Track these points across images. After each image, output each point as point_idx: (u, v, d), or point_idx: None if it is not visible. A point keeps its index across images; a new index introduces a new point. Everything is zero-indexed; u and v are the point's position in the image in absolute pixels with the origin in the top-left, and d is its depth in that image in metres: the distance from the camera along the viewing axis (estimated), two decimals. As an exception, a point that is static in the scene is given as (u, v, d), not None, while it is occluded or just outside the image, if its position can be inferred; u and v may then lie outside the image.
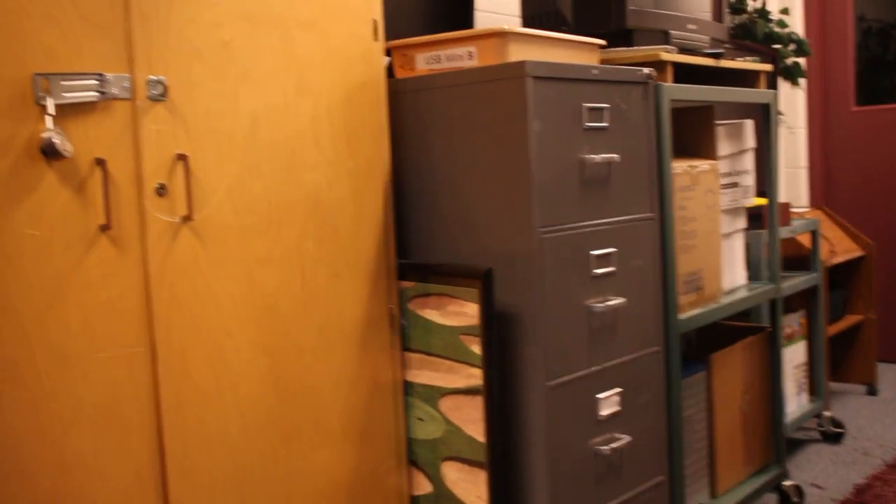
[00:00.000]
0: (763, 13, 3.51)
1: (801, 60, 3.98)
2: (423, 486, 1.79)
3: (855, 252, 3.62)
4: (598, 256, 1.77)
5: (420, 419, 1.78)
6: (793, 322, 3.01)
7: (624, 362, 1.84)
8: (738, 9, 3.51)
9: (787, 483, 2.57)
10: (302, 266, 1.58)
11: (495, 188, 1.69)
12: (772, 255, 2.54)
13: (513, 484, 1.72)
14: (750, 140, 2.51)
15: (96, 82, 1.31)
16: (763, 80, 2.61)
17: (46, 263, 1.27)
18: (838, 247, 3.57)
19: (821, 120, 4.32)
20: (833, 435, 3.21)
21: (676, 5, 2.35)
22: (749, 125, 2.50)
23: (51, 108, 1.26)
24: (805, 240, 3.35)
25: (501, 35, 1.73)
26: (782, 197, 4.20)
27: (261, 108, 1.51)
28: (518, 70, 1.63)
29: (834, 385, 3.92)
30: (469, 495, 1.69)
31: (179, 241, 1.41)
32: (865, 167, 4.25)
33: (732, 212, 2.46)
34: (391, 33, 2.12)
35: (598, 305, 1.76)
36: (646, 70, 1.90)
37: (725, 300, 2.33)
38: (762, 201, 2.83)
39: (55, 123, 1.27)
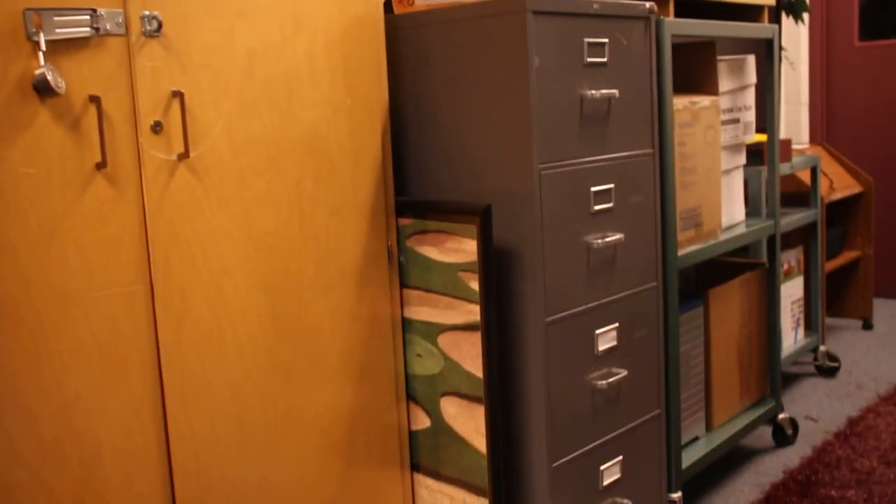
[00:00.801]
0: (767, -55, 3.44)
1: (805, -7, 3.91)
2: (422, 421, 1.81)
3: (854, 188, 3.61)
4: (597, 193, 1.77)
5: (419, 355, 1.80)
6: (790, 258, 3.01)
7: (622, 298, 1.85)
8: (742, -60, 3.44)
9: (781, 416, 2.61)
10: (300, 204, 1.57)
11: (494, 124, 1.68)
12: (771, 192, 2.54)
13: (511, 418, 1.75)
14: (751, 76, 2.48)
15: (89, 17, 1.29)
16: (766, 15, 2.58)
17: (43, 202, 1.26)
18: (838, 183, 3.56)
19: (823, 55, 4.27)
20: (828, 369, 3.24)
21: (679, -64, 2.30)
22: (751, 61, 2.48)
23: (43, 44, 1.24)
24: (805, 176, 3.34)
25: (500, -32, 1.70)
26: (783, 133, 4.18)
27: (257, 44, 1.49)
28: (518, 4, 1.60)
29: (830, 320, 3.95)
30: (467, 430, 1.72)
31: (176, 180, 1.40)
32: (867, 103, 4.22)
33: (732, 148, 2.44)
34: (388, -34, 2.08)
35: (597, 241, 1.76)
36: (647, 4, 1.87)
37: (724, 236, 2.33)
38: (762, 137, 2.82)
39: (47, 60, 1.25)
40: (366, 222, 1.69)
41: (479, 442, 1.69)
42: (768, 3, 2.53)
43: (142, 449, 1.38)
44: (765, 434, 2.72)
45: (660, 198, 1.95)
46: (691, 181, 2.20)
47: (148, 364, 1.38)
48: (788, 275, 3.00)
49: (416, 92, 1.80)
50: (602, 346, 1.81)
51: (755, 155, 2.82)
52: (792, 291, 3.04)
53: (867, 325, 3.79)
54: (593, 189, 1.76)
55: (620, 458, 1.87)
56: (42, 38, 1.24)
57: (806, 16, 4.03)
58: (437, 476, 1.80)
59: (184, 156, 1.40)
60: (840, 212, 3.77)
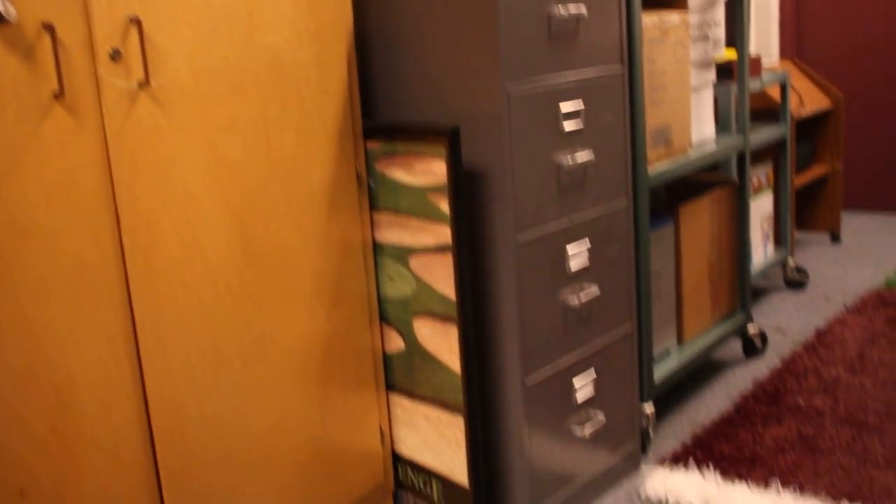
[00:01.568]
0: None
1: None
2: (396, 343, 1.83)
3: (824, 104, 3.62)
4: (567, 111, 1.76)
5: (391, 278, 1.80)
6: (760, 174, 3.03)
7: (593, 216, 1.86)
8: None
9: (751, 329, 2.65)
10: (266, 131, 1.56)
11: (461, 44, 1.65)
12: (741, 108, 2.54)
13: (484, 337, 1.77)
14: (719, -11, 2.46)
15: (37, -59, 1.25)
16: (734, -74, 2.54)
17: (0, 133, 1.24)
18: (807, 99, 3.56)
19: (793, -33, 4.23)
20: (797, 282, 3.29)
21: None
22: (719, -27, 2.45)
23: (-9, -30, 1.20)
24: (774, 92, 3.34)
25: None
26: (752, 49, 4.16)
27: (213, -35, 1.45)
28: (480, -82, 1.57)
29: (799, 234, 4.00)
30: (441, 350, 1.74)
31: (137, 108, 1.38)
32: (837, 18, 4.19)
33: (702, 65, 2.43)
34: None
35: (567, 160, 1.76)
36: (612, -84, 1.83)
37: (694, 154, 2.34)
38: (732, 53, 2.80)
39: (-3, -14, 1.21)
40: (334, 147, 1.68)
41: (453, 361, 1.71)
42: (737, -86, 2.50)
43: (116, 379, 1.38)
44: (735, 347, 2.77)
45: (629, 116, 1.94)
46: (661, 98, 2.19)
47: (117, 295, 1.38)
48: (758, 190, 3.02)
49: (381, 13, 1.77)
50: (574, 265, 1.82)
51: (725, 71, 2.81)
52: (761, 207, 3.06)
53: (835, 239, 3.84)
54: (562, 107, 1.75)
55: (593, 373, 1.90)
56: (-11, -36, 1.20)
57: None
58: (412, 396, 1.83)
59: (144, 83, 1.38)
60: (810, 127, 3.78)
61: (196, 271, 1.47)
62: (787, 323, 2.94)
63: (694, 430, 2.24)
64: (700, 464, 2.06)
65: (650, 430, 2.14)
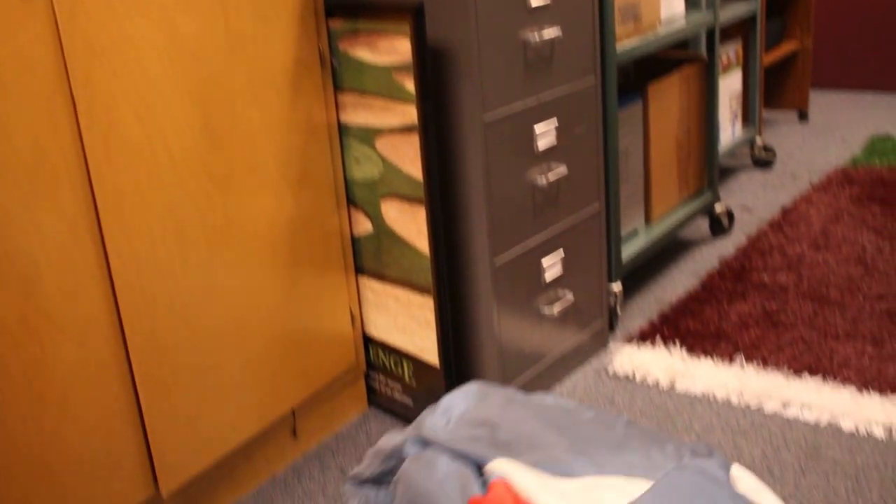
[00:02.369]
0: None
1: None
2: (364, 226, 1.82)
3: (795, -23, 3.55)
4: (533, -14, 1.71)
5: (357, 160, 1.78)
6: (729, 51, 3.00)
7: (560, 94, 1.83)
8: None
9: (718, 207, 2.67)
10: (224, 8, 1.50)
11: (422, -86, 1.59)
12: (711, -19, 2.48)
13: (452, 218, 1.76)
14: None
15: None
16: None
17: (-57, 12, 1.18)
18: (779, -28, 3.49)
19: None
20: (764, 160, 3.31)
21: None
22: None
23: None
24: (745, -35, 3.26)
25: None
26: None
27: None
28: None
29: (767, 112, 3.99)
30: (409, 231, 1.73)
31: (87, -16, 1.31)
32: None
33: (672, -64, 2.37)
34: None
35: (534, 37, 1.72)
36: None
37: (663, 30, 2.30)
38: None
39: None
40: (295, 25, 1.62)
41: (422, 243, 1.71)
42: None
43: (81, 266, 1.36)
44: (702, 225, 2.80)
45: (597, -11, 1.90)
46: (630, -28, 2.14)
47: (78, 180, 1.35)
48: (727, 68, 3.00)
49: None
50: (541, 144, 1.80)
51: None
52: (730, 85, 3.04)
53: (803, 117, 3.84)
54: (529, -19, 1.70)
55: (562, 252, 1.91)
56: None
57: None
58: (381, 278, 1.83)
59: (92, -43, 1.31)
60: (780, 3, 3.72)
61: (158, 155, 1.44)
62: (753, 201, 2.97)
63: (661, 307, 2.28)
64: (666, 340, 2.10)
65: (618, 309, 2.17)
